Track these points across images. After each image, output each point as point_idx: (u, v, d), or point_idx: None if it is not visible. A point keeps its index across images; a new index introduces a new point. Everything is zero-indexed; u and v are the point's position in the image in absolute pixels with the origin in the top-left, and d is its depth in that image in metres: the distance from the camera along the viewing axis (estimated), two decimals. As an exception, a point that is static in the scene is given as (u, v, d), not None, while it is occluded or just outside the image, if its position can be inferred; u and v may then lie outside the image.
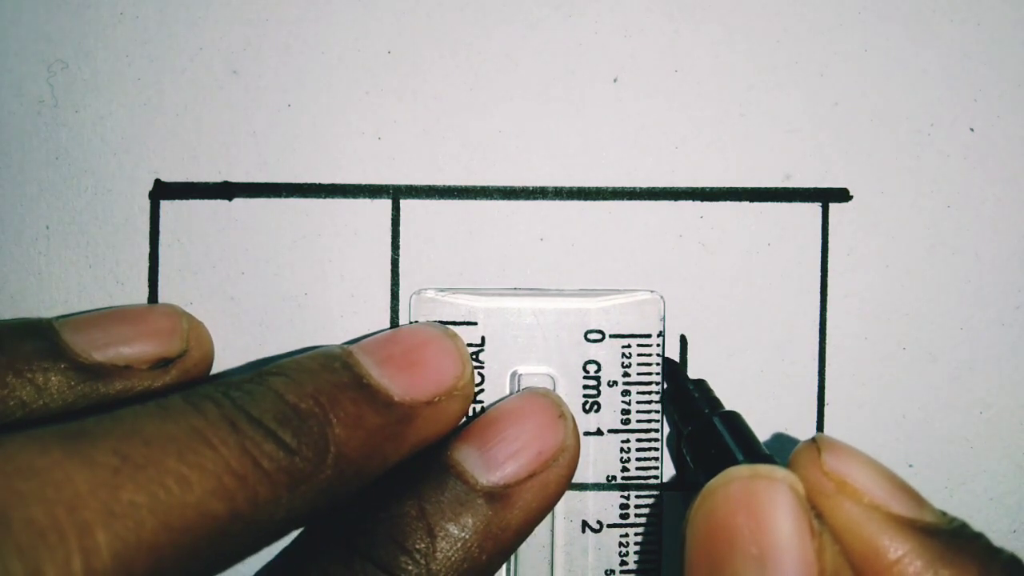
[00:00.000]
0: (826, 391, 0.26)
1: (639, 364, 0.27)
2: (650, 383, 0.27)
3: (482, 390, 0.26)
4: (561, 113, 0.27)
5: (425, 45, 0.27)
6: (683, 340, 0.27)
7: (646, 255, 0.27)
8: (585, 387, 0.26)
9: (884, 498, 0.20)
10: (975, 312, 0.26)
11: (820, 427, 0.27)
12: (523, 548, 0.26)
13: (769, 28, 0.27)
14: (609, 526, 0.27)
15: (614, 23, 0.27)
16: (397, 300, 0.27)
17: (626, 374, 0.26)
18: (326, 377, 0.22)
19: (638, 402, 0.26)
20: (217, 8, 0.27)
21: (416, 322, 0.26)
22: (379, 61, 0.27)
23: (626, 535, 0.27)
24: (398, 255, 0.27)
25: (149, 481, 0.18)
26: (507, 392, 0.26)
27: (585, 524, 0.27)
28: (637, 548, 0.27)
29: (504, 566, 0.26)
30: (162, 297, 0.27)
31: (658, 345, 0.27)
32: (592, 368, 0.26)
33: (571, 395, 0.26)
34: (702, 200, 0.27)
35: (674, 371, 0.26)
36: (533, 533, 0.25)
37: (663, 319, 0.27)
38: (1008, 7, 0.26)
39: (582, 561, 0.26)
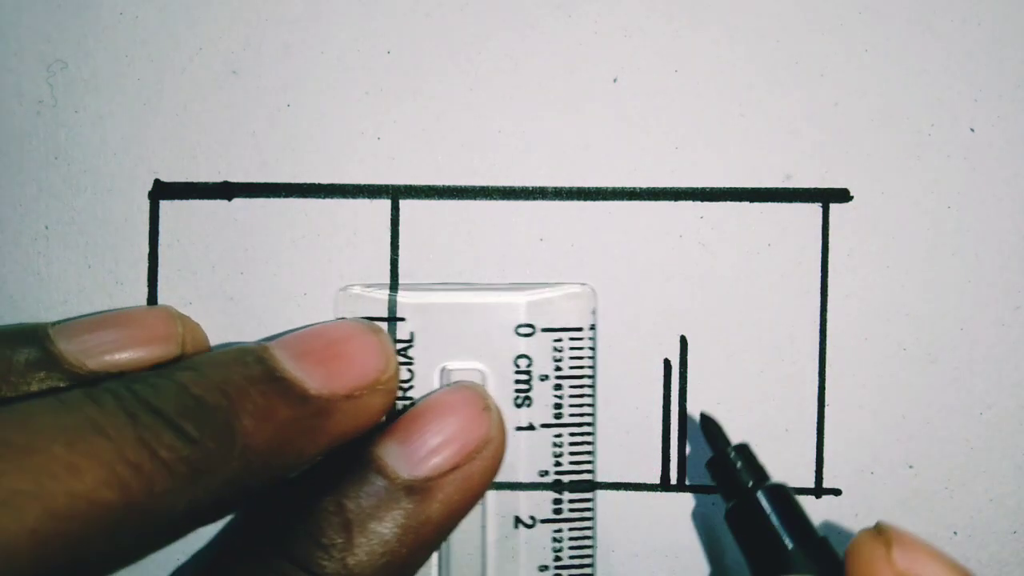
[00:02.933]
0: (826, 392, 0.26)
1: (571, 358, 0.26)
2: (583, 377, 0.26)
3: (411, 387, 0.26)
4: (561, 113, 0.27)
5: (425, 45, 0.27)
6: (683, 340, 0.27)
7: (646, 255, 0.27)
8: (516, 382, 0.26)
9: None
10: (975, 313, 0.26)
11: (820, 428, 0.27)
12: (454, 545, 0.26)
13: (769, 28, 0.27)
14: (542, 522, 0.26)
15: (614, 23, 0.27)
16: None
17: (558, 368, 0.26)
18: (236, 370, 0.21)
19: (571, 396, 0.26)
20: (217, 8, 0.27)
21: (343, 319, 0.26)
22: (379, 61, 0.27)
23: (560, 531, 0.26)
24: (397, 255, 0.27)
25: (35, 468, 0.18)
26: (436, 388, 0.26)
27: (518, 520, 0.26)
28: (571, 544, 0.26)
29: (435, 564, 0.26)
30: (162, 297, 0.27)
31: (590, 339, 0.26)
32: (523, 363, 0.26)
33: (502, 390, 0.26)
34: (702, 200, 0.27)
35: (713, 435, 0.25)
36: (464, 530, 0.25)
37: (594, 312, 0.27)
38: (1008, 7, 0.26)
39: (514, 557, 0.26)
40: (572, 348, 0.26)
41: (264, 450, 0.21)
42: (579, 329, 0.26)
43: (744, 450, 0.24)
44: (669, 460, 0.27)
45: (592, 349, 0.26)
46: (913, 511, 0.27)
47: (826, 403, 0.26)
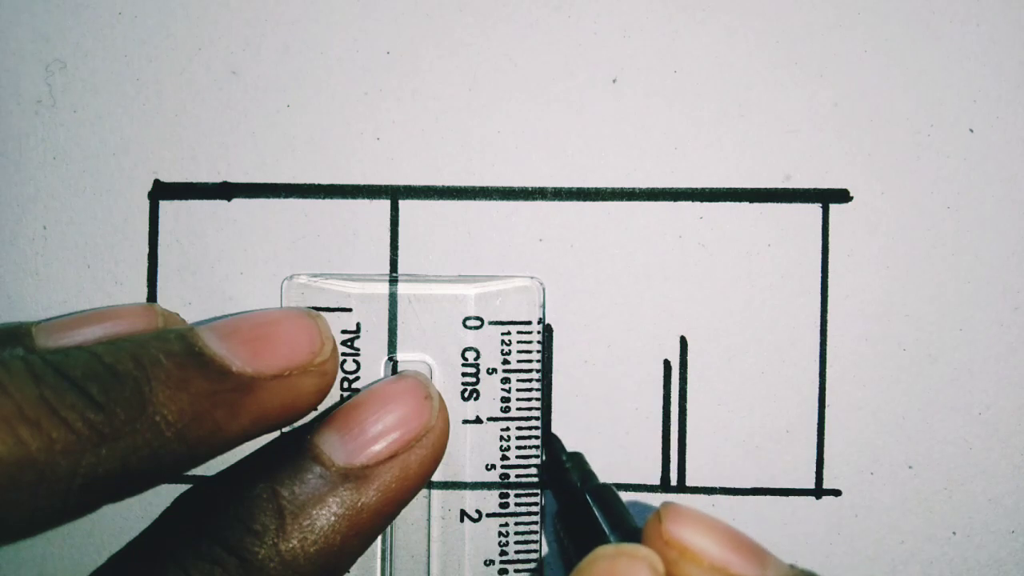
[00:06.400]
0: (827, 393, 0.26)
1: (519, 352, 0.26)
2: (530, 371, 0.26)
3: (357, 378, 0.26)
4: (561, 113, 0.27)
5: (424, 45, 0.27)
6: (683, 341, 0.27)
7: (646, 255, 0.27)
8: (464, 375, 0.26)
9: (724, 559, 0.20)
10: (975, 313, 0.26)
11: (821, 429, 0.27)
12: (399, 538, 0.26)
13: (769, 28, 0.27)
14: (488, 515, 0.26)
15: (614, 23, 0.27)
16: (385, 306, 0.27)
17: (506, 361, 0.26)
18: (154, 344, 0.21)
19: (518, 390, 0.26)
20: (216, 8, 0.27)
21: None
22: (378, 61, 0.27)
23: (506, 524, 0.26)
24: (397, 256, 0.27)
25: None
26: (380, 378, 0.26)
27: (464, 513, 0.26)
28: (517, 538, 0.26)
29: (379, 557, 0.26)
30: (161, 297, 0.27)
31: (538, 332, 0.26)
32: (471, 355, 0.26)
33: (449, 383, 0.26)
34: (702, 201, 0.27)
35: (550, 444, 0.27)
36: (409, 522, 0.26)
37: (542, 305, 0.27)
38: (1008, 7, 0.26)
39: (460, 551, 0.26)
40: (520, 341, 0.26)
41: (177, 420, 0.20)
42: (528, 323, 0.26)
43: (576, 457, 0.26)
44: (669, 460, 0.27)
45: (540, 343, 0.26)
46: (912, 511, 0.27)
47: (826, 404, 0.27)
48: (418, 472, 0.23)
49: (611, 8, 0.27)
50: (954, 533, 0.27)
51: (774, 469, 0.27)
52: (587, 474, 0.26)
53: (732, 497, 0.27)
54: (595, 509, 0.24)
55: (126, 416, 0.20)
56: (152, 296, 0.27)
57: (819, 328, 0.26)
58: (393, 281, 0.27)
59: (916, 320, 0.26)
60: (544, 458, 0.27)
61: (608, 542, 0.24)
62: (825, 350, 0.26)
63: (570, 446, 0.27)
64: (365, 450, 0.23)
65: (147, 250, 0.27)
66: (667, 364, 0.27)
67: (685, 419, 0.27)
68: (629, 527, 0.24)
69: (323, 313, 0.26)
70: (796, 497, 0.27)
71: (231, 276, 0.27)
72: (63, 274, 0.27)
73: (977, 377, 0.26)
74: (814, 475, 0.27)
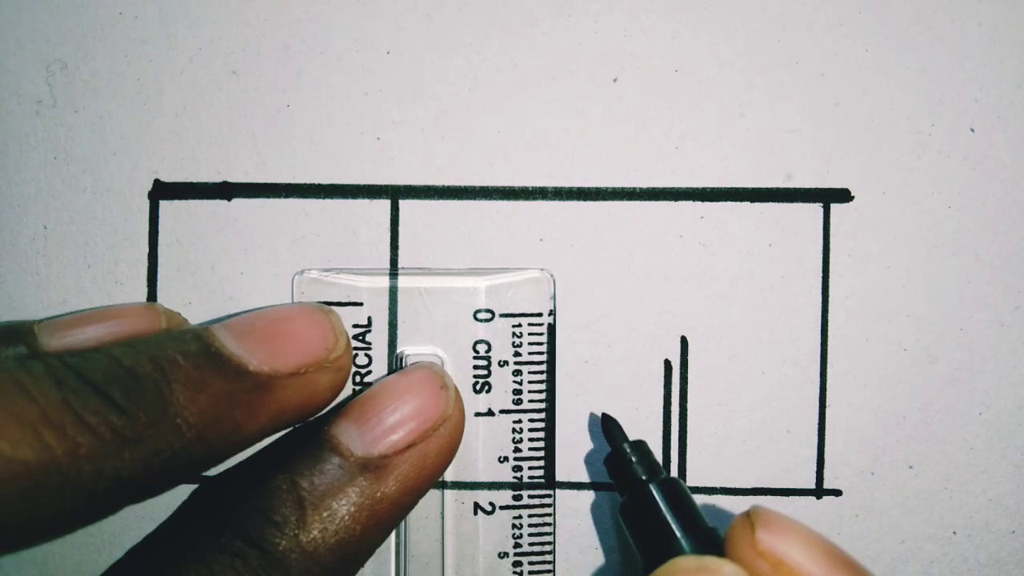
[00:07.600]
0: (827, 393, 0.26)
1: (530, 344, 0.26)
2: (542, 363, 0.26)
3: (369, 371, 0.26)
4: (561, 113, 0.27)
5: (424, 45, 0.27)
6: (683, 341, 0.27)
7: (646, 255, 0.27)
8: (475, 367, 0.26)
9: None
10: (975, 313, 0.26)
11: (821, 429, 0.27)
12: (413, 531, 0.26)
13: (769, 28, 0.27)
14: (502, 508, 0.26)
15: (614, 23, 0.27)
16: (396, 300, 0.27)
17: (517, 353, 0.26)
18: (172, 345, 0.21)
19: (529, 382, 0.26)
20: (216, 8, 0.27)
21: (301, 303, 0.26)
22: (378, 61, 0.27)
23: (519, 517, 0.26)
24: (397, 255, 0.27)
25: None
26: (393, 371, 0.26)
27: (477, 506, 0.26)
28: (531, 531, 0.26)
29: (394, 550, 0.26)
30: (161, 297, 0.27)
31: (549, 324, 0.26)
32: (482, 348, 0.26)
33: (461, 375, 0.26)
34: (702, 200, 0.27)
35: (611, 432, 0.25)
36: (424, 515, 0.26)
37: (553, 297, 0.27)
38: (1008, 7, 0.26)
39: (473, 543, 0.26)
40: (531, 333, 0.26)
41: (197, 421, 0.20)
42: (538, 315, 0.26)
43: (640, 446, 0.25)
44: (669, 460, 0.27)
45: (551, 335, 0.26)
46: (913, 511, 0.27)
47: (826, 404, 0.26)
48: (436, 461, 0.23)
49: (611, 8, 0.27)
50: (954, 533, 0.27)
51: (774, 469, 0.27)
52: (652, 465, 0.24)
53: (732, 497, 0.27)
54: (663, 506, 0.23)
55: (148, 419, 0.20)
56: (152, 296, 0.27)
57: (820, 328, 0.26)
58: (404, 275, 0.27)
59: (916, 320, 0.26)
60: (605, 444, 0.25)
61: (679, 545, 0.22)
62: (826, 350, 0.26)
63: (570, 445, 0.27)
64: (384, 439, 0.23)
65: (147, 250, 0.27)
66: (667, 364, 0.27)
67: (685, 419, 0.27)
68: (702, 528, 0.23)
69: (334, 308, 0.26)
70: (796, 497, 0.27)
71: (231, 276, 0.27)
72: (63, 274, 0.27)
73: (977, 377, 0.26)
74: (814, 475, 0.27)
